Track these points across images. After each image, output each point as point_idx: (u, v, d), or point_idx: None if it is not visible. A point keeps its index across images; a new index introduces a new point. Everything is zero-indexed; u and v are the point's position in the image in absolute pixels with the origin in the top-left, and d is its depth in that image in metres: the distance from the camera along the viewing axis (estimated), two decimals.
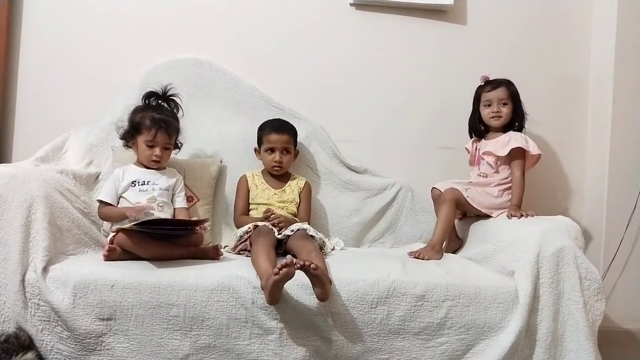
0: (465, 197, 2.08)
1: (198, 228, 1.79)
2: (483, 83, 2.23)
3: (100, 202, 1.92)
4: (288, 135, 2.17)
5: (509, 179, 2.14)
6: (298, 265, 1.53)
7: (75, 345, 1.55)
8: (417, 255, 1.98)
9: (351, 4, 2.44)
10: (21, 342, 1.51)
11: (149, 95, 2.06)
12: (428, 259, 1.95)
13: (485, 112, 2.20)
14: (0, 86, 2.28)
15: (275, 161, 2.16)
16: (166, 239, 1.73)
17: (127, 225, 1.68)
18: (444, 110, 2.45)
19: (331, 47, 2.44)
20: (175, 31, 2.38)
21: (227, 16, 2.41)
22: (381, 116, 2.45)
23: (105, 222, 1.97)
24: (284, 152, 2.17)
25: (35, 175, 1.77)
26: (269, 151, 2.17)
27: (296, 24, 2.43)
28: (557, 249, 1.73)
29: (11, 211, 1.61)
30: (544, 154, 2.16)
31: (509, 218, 2.01)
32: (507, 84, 2.18)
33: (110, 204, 1.92)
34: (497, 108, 2.17)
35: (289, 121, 2.25)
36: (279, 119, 2.25)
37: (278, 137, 2.16)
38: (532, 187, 2.21)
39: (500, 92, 2.17)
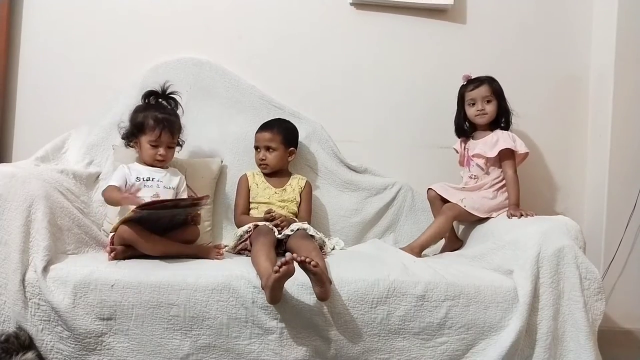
0: (463, 206, 2.08)
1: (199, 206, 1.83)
2: (465, 82, 2.22)
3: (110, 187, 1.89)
4: (270, 132, 2.16)
5: (500, 178, 2.14)
6: (298, 259, 1.52)
7: (76, 345, 1.55)
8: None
9: (351, 4, 2.44)
10: (21, 341, 1.51)
11: (149, 94, 2.06)
12: None
13: (470, 112, 2.20)
14: (1, 86, 2.28)
15: (258, 159, 2.18)
16: (166, 227, 1.76)
17: (129, 213, 1.68)
18: (444, 110, 2.43)
19: (331, 47, 2.44)
20: (175, 31, 2.38)
21: (227, 16, 2.41)
22: (381, 116, 2.45)
23: (105, 222, 1.97)
24: (268, 150, 2.16)
25: (36, 175, 1.76)
26: (256, 149, 2.19)
27: (296, 24, 2.43)
28: (557, 248, 1.73)
29: (11, 211, 1.61)
30: (544, 154, 2.16)
31: (508, 218, 2.01)
32: (489, 82, 2.18)
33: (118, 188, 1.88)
34: (481, 106, 2.17)
35: (289, 120, 2.25)
36: (273, 118, 2.25)
37: (260, 134, 2.18)
38: (532, 187, 2.21)
39: (483, 90, 2.17)
